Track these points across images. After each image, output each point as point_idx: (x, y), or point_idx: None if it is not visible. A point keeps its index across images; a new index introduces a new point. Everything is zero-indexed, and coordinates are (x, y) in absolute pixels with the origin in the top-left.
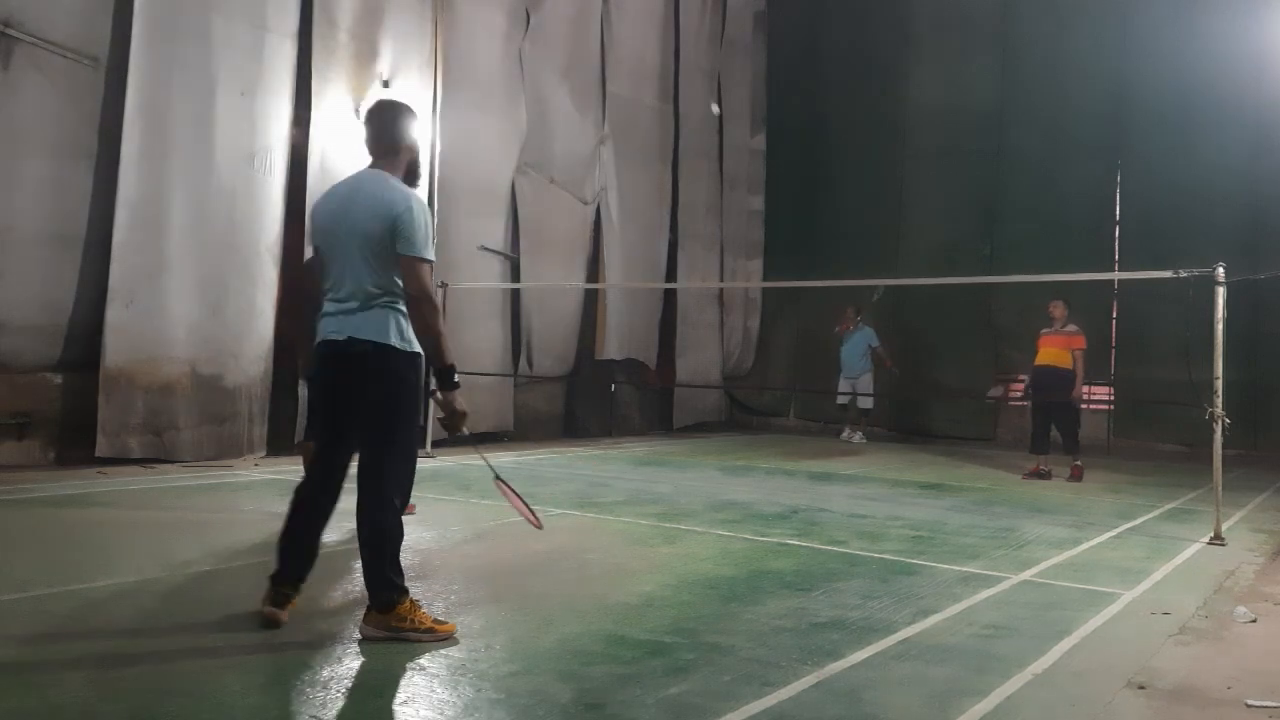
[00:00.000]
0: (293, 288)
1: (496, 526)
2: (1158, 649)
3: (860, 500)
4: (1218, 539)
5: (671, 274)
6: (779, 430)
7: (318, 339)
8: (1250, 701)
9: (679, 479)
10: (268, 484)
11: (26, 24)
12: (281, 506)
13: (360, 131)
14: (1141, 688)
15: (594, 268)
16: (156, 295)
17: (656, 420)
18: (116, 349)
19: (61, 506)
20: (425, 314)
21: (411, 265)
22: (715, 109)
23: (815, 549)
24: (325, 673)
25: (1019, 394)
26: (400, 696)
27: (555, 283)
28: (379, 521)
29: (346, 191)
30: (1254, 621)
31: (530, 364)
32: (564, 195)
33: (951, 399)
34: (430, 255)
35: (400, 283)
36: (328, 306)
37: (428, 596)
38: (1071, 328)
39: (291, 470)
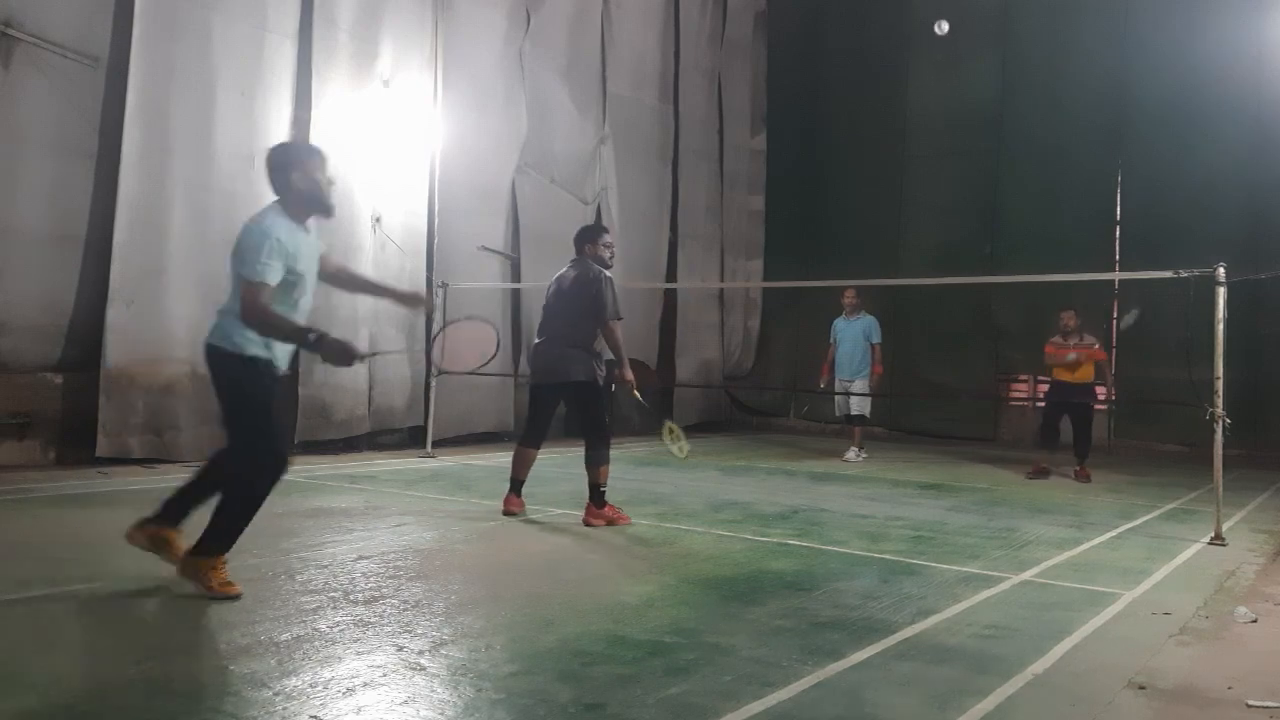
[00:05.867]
0: None
1: (496, 526)
2: (1158, 649)
3: (860, 500)
4: (1218, 539)
5: (671, 274)
6: (779, 430)
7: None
8: (1251, 702)
9: (679, 479)
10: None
11: (27, 24)
12: (282, 506)
13: (360, 131)
14: (1142, 688)
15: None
16: (157, 295)
17: (656, 420)
18: (117, 349)
19: (62, 506)
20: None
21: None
22: (944, 27)
23: (815, 549)
24: (325, 672)
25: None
26: (400, 696)
27: None
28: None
29: None
30: (1255, 622)
31: (530, 364)
32: (564, 195)
33: (951, 399)
34: (254, 276)
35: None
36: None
37: (428, 596)
38: (1088, 339)
39: (291, 470)
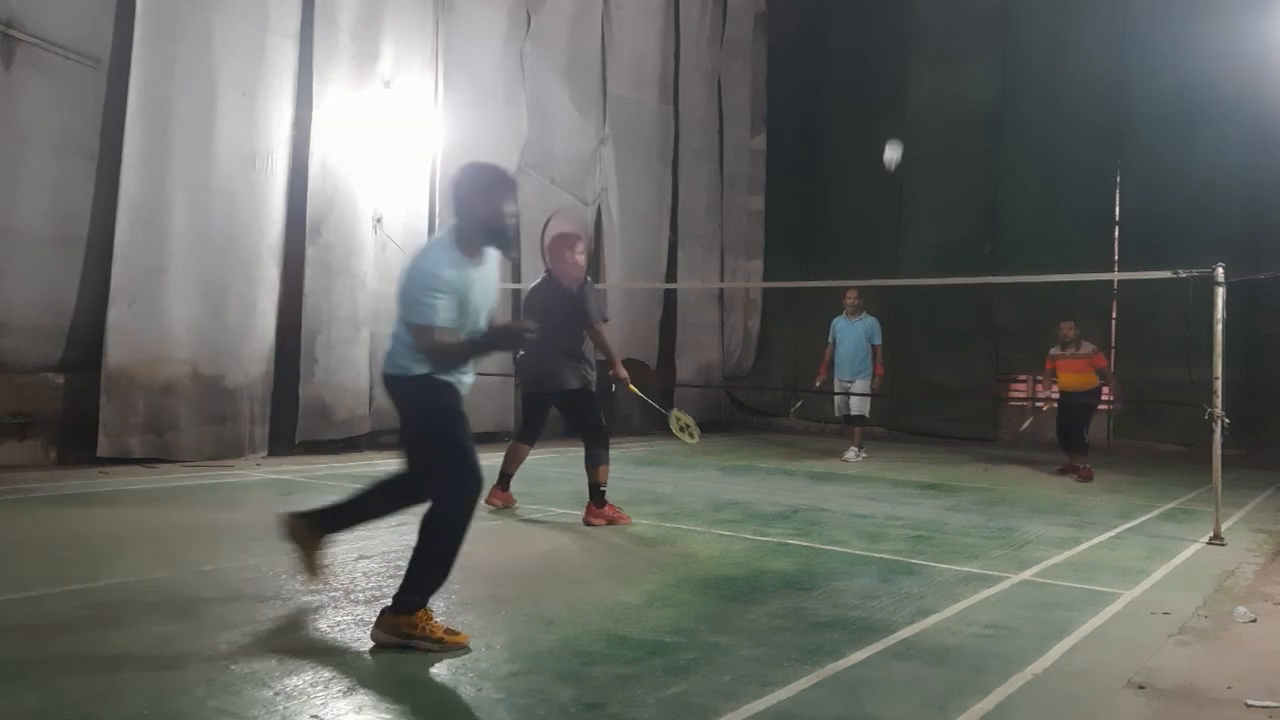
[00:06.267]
0: None
1: (496, 526)
2: (1158, 649)
3: (860, 500)
4: (1217, 539)
5: (671, 274)
6: (779, 430)
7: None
8: (1250, 701)
9: (679, 479)
10: (268, 484)
11: (28, 25)
12: (283, 506)
13: (362, 132)
14: (1141, 687)
15: (594, 268)
16: (158, 295)
17: (657, 420)
18: (118, 349)
19: (63, 506)
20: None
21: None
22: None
23: (815, 549)
24: (325, 673)
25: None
26: (401, 696)
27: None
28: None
29: None
30: (1254, 621)
31: (519, 373)
32: (565, 196)
33: (952, 399)
34: (419, 319)
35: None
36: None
37: None
38: (1088, 347)
39: (292, 470)
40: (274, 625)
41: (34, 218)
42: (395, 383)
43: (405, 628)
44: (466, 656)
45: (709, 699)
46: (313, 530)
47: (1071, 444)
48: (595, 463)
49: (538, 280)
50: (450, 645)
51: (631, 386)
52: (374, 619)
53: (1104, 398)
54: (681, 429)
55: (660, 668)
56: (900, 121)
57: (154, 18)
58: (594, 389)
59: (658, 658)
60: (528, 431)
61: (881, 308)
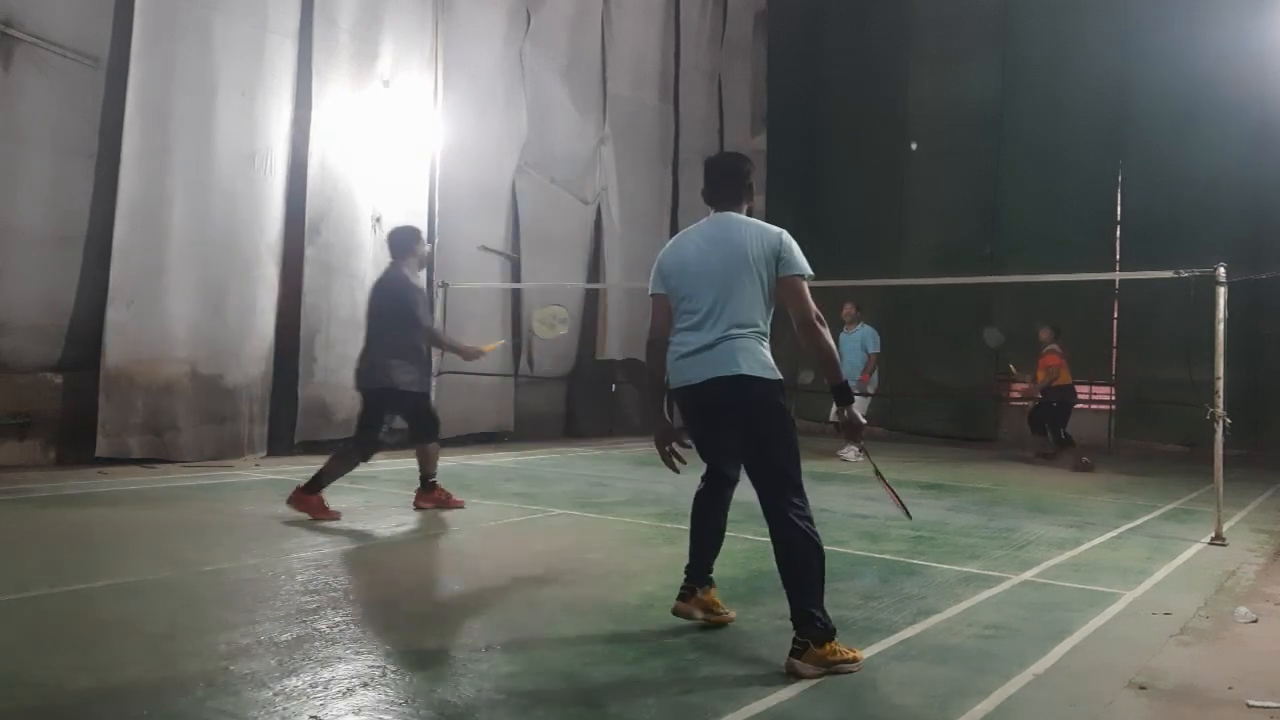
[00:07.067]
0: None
1: (497, 527)
2: (1159, 649)
3: (860, 500)
4: (1219, 539)
5: None
6: None
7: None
8: (1251, 702)
9: (679, 479)
10: (268, 484)
11: (27, 24)
12: (280, 507)
13: (361, 131)
14: (1142, 688)
15: (594, 268)
16: (157, 295)
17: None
18: (117, 349)
19: (62, 506)
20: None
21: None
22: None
23: None
24: (325, 673)
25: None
26: (401, 696)
27: (556, 283)
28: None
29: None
30: (1255, 622)
31: (531, 364)
32: (564, 195)
33: (952, 399)
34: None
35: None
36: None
37: (429, 596)
38: (1049, 350)
39: (292, 470)
40: (274, 625)
41: (33, 217)
42: (760, 387)
43: (829, 656)
44: (466, 656)
45: (709, 699)
46: (704, 591)
47: (1037, 432)
48: (427, 453)
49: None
50: (859, 659)
51: (486, 349)
52: (374, 619)
53: (1079, 395)
54: (550, 326)
55: (661, 668)
56: (900, 122)
57: (153, 17)
58: (426, 390)
59: (658, 658)
60: (362, 438)
61: (881, 308)
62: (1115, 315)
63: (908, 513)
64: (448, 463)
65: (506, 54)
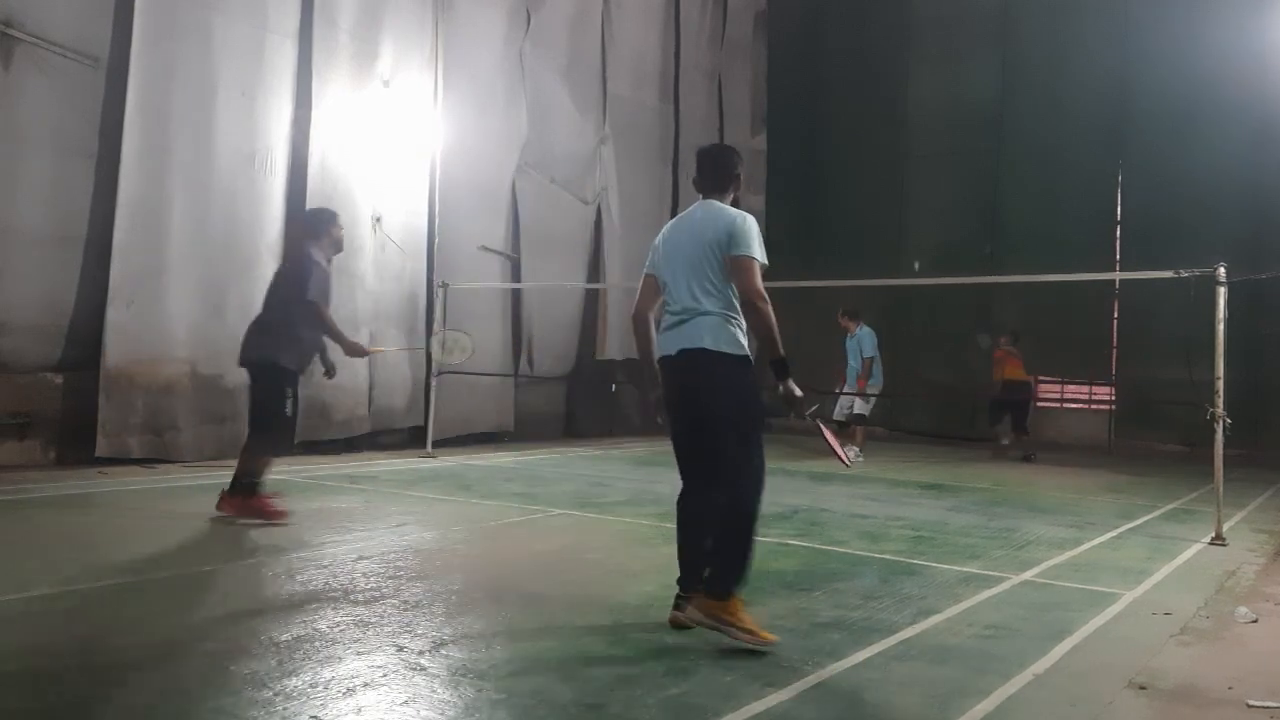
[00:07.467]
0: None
1: (496, 527)
2: (1159, 649)
3: (861, 500)
4: (1219, 539)
5: None
6: (779, 430)
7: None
8: (1251, 702)
9: (679, 479)
10: (268, 484)
11: (27, 24)
12: (282, 506)
13: (361, 131)
14: (1142, 688)
15: (594, 268)
16: (157, 295)
17: (657, 420)
18: (117, 349)
19: (62, 507)
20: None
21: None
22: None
23: (816, 549)
24: (326, 672)
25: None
26: (401, 696)
27: (555, 283)
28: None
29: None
30: (1255, 622)
31: (531, 364)
32: (564, 195)
33: (952, 399)
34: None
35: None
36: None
37: (428, 596)
38: (1003, 350)
39: (292, 470)
40: (272, 626)
41: (33, 217)
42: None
43: (719, 612)
44: (466, 657)
45: (709, 699)
46: (724, 598)
47: (993, 423)
48: (253, 451)
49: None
50: (760, 639)
51: (371, 350)
52: (374, 619)
53: (1035, 390)
54: (448, 351)
55: (661, 668)
56: (900, 121)
57: (153, 17)
58: (282, 371)
59: (658, 658)
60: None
61: (882, 307)
62: (1115, 315)
63: (845, 462)
64: (447, 463)
65: (506, 54)
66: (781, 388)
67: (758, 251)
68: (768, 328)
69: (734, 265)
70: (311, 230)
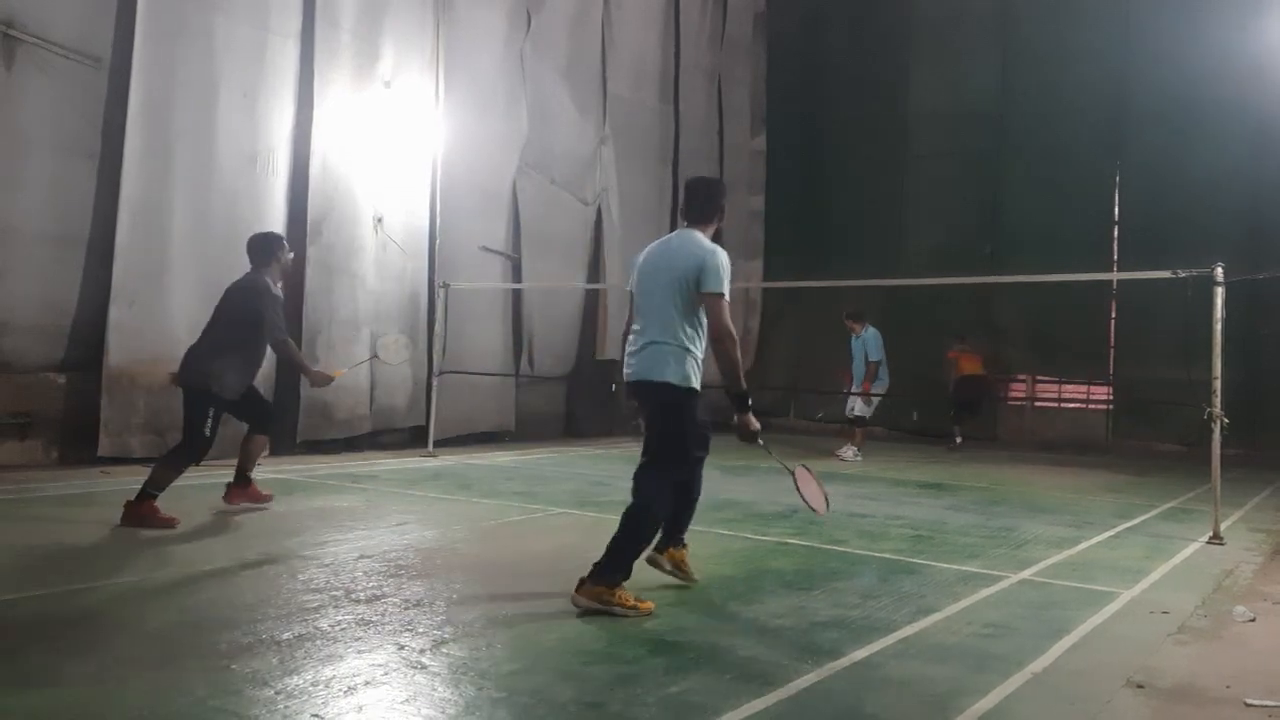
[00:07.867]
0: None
1: (496, 526)
2: (1157, 648)
3: (860, 499)
4: (1216, 538)
5: None
6: (779, 430)
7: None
8: (1249, 700)
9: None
10: (269, 483)
11: (29, 25)
12: (284, 505)
13: (362, 132)
14: (1140, 687)
15: (595, 268)
16: (159, 295)
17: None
18: (119, 349)
19: (64, 506)
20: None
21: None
22: None
23: (815, 548)
24: (327, 671)
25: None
26: (402, 695)
27: (556, 283)
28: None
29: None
30: (1253, 620)
31: (531, 364)
32: (565, 196)
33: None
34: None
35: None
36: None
37: (429, 595)
38: (960, 349)
39: (292, 470)
40: (274, 625)
41: (35, 217)
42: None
43: (606, 596)
44: (466, 655)
45: (709, 698)
46: (676, 549)
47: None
48: (168, 464)
49: (239, 277)
50: (642, 610)
51: (337, 373)
52: (375, 618)
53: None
54: (395, 352)
55: (660, 667)
56: (901, 121)
57: (155, 18)
58: (213, 398)
59: (658, 657)
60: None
61: (882, 307)
62: (1113, 315)
63: (818, 512)
64: (448, 462)
65: (507, 55)
66: (737, 418)
67: (725, 288)
68: (732, 363)
69: (705, 302)
70: (262, 256)
